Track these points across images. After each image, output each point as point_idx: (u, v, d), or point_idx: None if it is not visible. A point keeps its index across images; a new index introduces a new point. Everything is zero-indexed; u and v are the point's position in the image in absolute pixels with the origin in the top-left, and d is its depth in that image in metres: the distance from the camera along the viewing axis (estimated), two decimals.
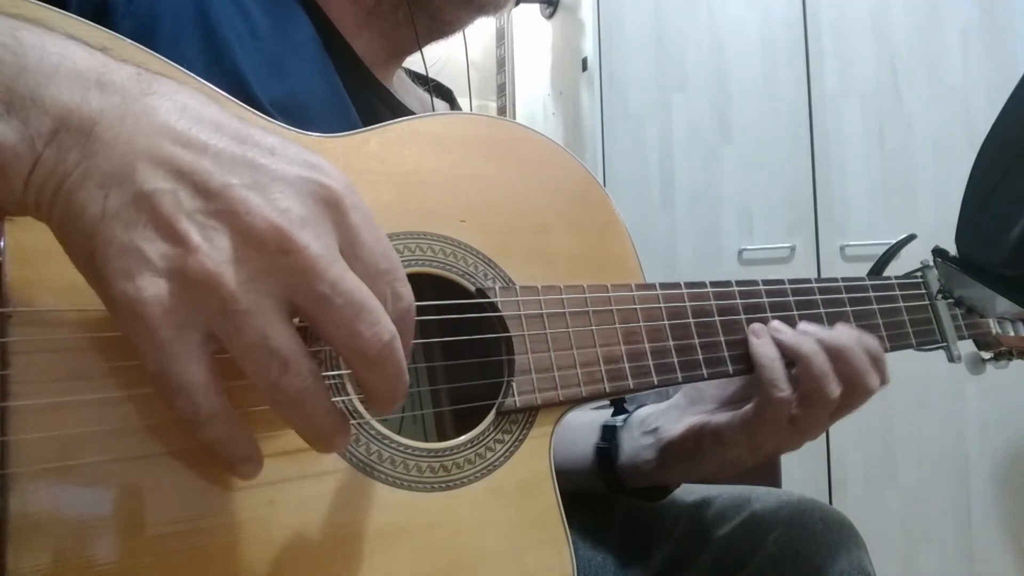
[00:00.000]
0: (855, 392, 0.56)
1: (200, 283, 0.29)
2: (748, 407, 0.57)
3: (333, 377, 0.41)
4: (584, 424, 0.71)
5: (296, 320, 0.32)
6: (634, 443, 0.66)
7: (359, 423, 0.42)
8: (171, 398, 0.30)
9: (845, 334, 0.56)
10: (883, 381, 0.58)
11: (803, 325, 0.58)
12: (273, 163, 0.32)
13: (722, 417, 0.59)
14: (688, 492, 0.69)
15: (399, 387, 0.34)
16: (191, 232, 0.29)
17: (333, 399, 0.33)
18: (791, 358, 0.55)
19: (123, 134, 0.30)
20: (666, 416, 0.65)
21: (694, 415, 0.63)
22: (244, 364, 0.31)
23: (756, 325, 0.57)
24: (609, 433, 0.67)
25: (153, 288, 0.29)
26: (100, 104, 0.30)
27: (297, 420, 0.33)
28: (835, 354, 0.55)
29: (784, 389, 0.54)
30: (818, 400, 0.55)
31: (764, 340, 0.56)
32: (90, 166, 0.30)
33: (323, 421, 0.33)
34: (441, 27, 0.70)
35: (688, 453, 0.61)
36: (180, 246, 0.29)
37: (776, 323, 0.57)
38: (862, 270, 0.68)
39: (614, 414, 0.69)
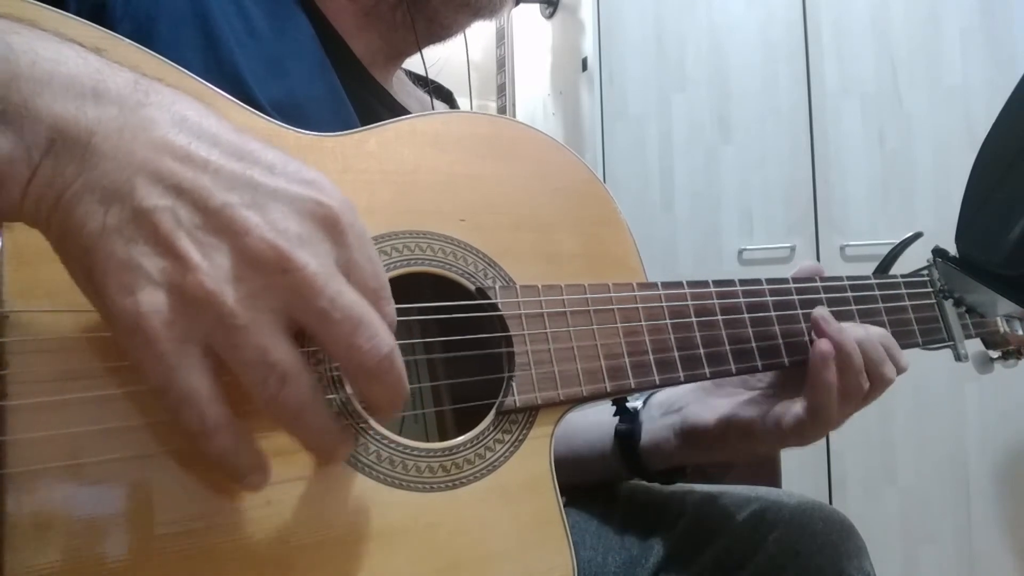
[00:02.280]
0: (877, 384, 0.57)
1: (199, 300, 0.29)
2: (784, 414, 0.57)
3: (332, 375, 0.41)
4: (591, 420, 0.71)
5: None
6: (654, 423, 0.67)
7: (359, 424, 0.41)
8: (177, 409, 0.30)
9: (860, 328, 0.57)
10: (899, 368, 0.58)
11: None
12: (272, 181, 0.32)
13: (752, 412, 0.60)
14: (689, 491, 0.69)
15: (399, 397, 0.34)
16: (190, 249, 0.30)
17: (331, 396, 0.33)
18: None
19: (121, 147, 0.30)
20: (691, 398, 0.65)
21: (721, 398, 0.63)
22: (243, 378, 0.31)
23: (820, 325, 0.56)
24: (629, 416, 0.68)
25: (152, 302, 0.29)
26: (96, 115, 0.30)
27: (298, 432, 0.33)
28: (861, 348, 0.56)
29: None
30: (854, 395, 0.55)
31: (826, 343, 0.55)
32: (89, 180, 0.30)
33: (323, 433, 0.34)
34: (439, 31, 0.70)
35: (713, 440, 0.62)
36: (179, 263, 0.29)
37: (820, 310, 0.57)
38: (862, 270, 0.68)
39: (615, 414, 0.69)
